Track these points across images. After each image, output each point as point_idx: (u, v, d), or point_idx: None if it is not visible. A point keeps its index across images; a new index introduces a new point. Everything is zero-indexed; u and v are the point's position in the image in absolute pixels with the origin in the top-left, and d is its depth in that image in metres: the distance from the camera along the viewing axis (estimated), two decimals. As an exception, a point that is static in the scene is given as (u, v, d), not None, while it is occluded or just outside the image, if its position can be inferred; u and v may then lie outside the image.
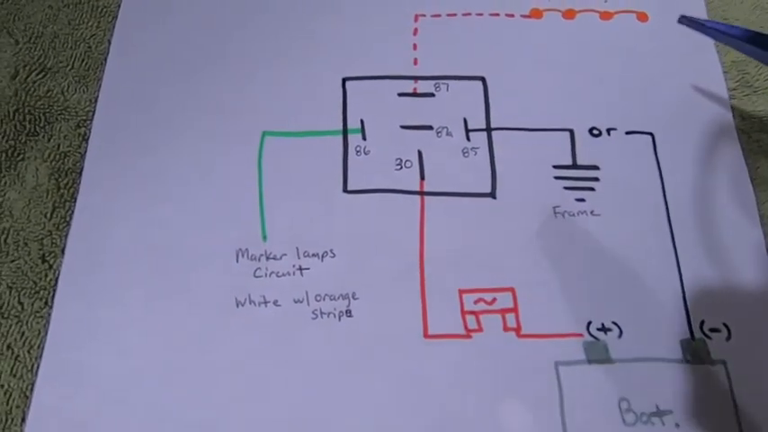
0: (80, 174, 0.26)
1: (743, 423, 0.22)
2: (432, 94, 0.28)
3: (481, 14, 0.30)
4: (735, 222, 0.25)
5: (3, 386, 0.23)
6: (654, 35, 0.29)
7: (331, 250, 0.25)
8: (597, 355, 0.23)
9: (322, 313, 0.24)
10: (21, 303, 0.24)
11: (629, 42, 0.29)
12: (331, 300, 0.24)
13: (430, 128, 0.27)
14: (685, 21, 0.26)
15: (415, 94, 0.28)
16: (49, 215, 0.25)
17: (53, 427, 0.22)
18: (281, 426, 0.22)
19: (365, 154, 0.27)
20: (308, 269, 0.24)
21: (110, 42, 0.29)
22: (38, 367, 0.23)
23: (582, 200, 0.26)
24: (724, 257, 0.25)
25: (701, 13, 0.30)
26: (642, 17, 0.30)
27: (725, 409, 0.22)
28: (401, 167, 0.26)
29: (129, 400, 0.22)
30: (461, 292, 0.24)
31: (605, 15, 0.30)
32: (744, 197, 0.26)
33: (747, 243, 0.25)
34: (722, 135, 0.27)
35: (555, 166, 0.26)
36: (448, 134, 0.27)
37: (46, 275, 0.24)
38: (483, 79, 0.28)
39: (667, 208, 0.25)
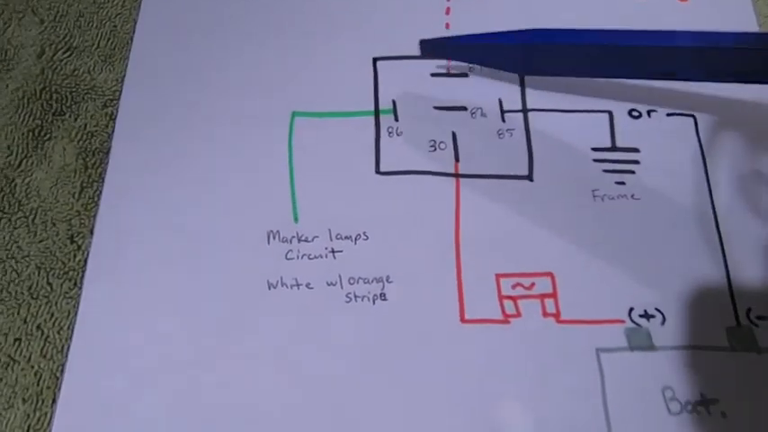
0: (107, 153, 0.26)
1: (793, 413, 0.21)
2: (465, 75, 0.27)
3: (515, -8, 0.29)
4: (782, 207, 0.24)
5: (33, 367, 0.22)
6: (694, 14, 0.28)
7: (364, 233, 0.24)
8: (640, 342, 0.22)
9: (356, 297, 0.23)
10: (50, 284, 0.24)
11: (669, 21, 0.28)
12: (365, 283, 0.23)
13: (464, 109, 0.26)
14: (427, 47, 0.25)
15: (448, 75, 0.27)
16: (76, 195, 0.25)
17: (84, 408, 0.22)
18: (313, 409, 0.22)
19: (398, 135, 0.26)
20: (340, 252, 0.24)
21: (135, 22, 0.29)
22: (68, 348, 0.22)
23: (622, 183, 0.25)
24: (771, 243, 0.24)
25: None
26: (682, -4, 0.29)
27: (773, 398, 0.21)
28: (435, 149, 0.26)
29: (159, 381, 0.22)
30: (498, 276, 0.23)
31: (644, -6, 0.29)
32: (791, 181, 0.25)
33: (795, 228, 0.24)
34: (766, 117, 0.26)
35: (593, 149, 0.25)
36: (482, 115, 0.26)
37: (75, 256, 0.24)
38: (518, 59, 0.27)
39: (710, 191, 0.25)
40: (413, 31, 0.28)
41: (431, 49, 0.25)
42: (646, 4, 0.29)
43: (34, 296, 0.23)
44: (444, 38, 0.26)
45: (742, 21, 0.28)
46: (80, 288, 0.23)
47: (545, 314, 0.23)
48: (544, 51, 0.24)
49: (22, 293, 0.23)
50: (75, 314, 0.23)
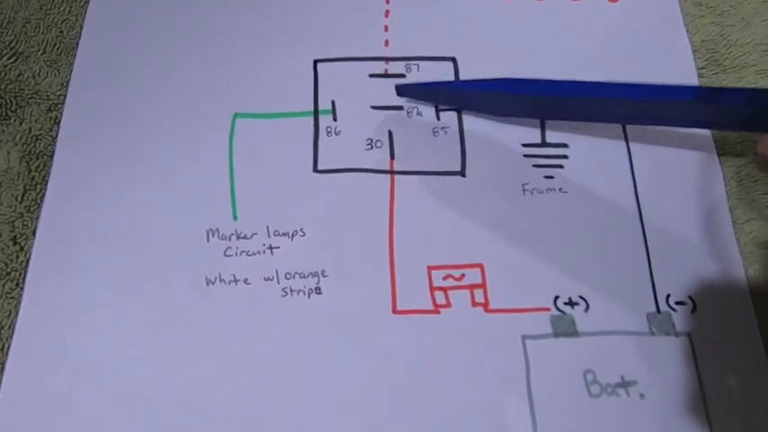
0: (51, 157, 0.26)
1: (706, 393, 0.22)
2: (403, 75, 0.28)
3: (453, -4, 0.30)
4: (701, 197, 0.25)
5: (-27, 366, 0.23)
6: (624, 15, 0.29)
7: (301, 229, 0.25)
8: (564, 328, 0.23)
9: (292, 291, 0.24)
10: (-8, 285, 0.24)
11: (600, 22, 0.29)
12: (301, 278, 0.24)
13: (400, 108, 0.27)
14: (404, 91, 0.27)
15: (386, 75, 0.28)
16: (20, 198, 0.25)
17: (24, 405, 0.22)
18: (252, 400, 0.22)
19: (336, 134, 0.27)
20: (278, 248, 0.25)
21: (81, 27, 0.29)
22: (9, 347, 0.23)
23: (551, 177, 0.26)
24: (690, 232, 0.25)
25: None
26: (613, -3, 0.30)
27: (689, 379, 0.22)
28: (371, 147, 0.26)
29: (101, 379, 0.23)
30: (430, 268, 0.24)
31: (576, -4, 0.30)
32: (710, 173, 0.26)
33: (713, 217, 0.25)
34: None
35: (524, 145, 0.26)
36: (418, 114, 0.27)
37: (17, 257, 0.24)
38: (454, 60, 0.28)
39: (635, 184, 0.26)
40: (353, 33, 0.29)
41: (405, 92, 0.27)
42: (579, 6, 0.30)
43: (-24, 297, 0.24)
44: (420, 84, 0.27)
45: (669, 20, 0.29)
46: (22, 288, 0.24)
47: (474, 304, 0.24)
48: (516, 100, 0.25)
49: (-35, 295, 0.24)
50: (17, 314, 0.23)
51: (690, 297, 0.24)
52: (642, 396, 0.22)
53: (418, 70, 0.28)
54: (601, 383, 0.22)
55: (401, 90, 0.27)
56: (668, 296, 0.24)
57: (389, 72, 0.28)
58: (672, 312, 0.24)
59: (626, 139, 0.27)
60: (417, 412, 0.22)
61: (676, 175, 0.26)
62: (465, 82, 0.26)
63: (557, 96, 0.24)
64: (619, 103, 0.24)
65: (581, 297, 0.24)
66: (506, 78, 0.25)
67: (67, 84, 0.28)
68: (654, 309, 0.24)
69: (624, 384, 0.22)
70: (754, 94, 0.23)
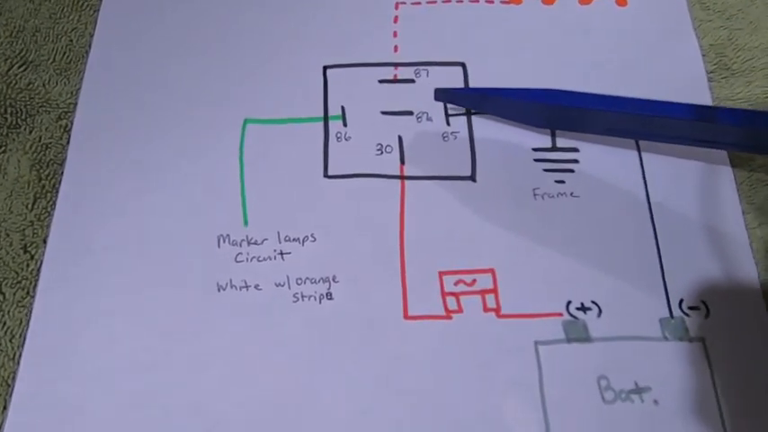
0: (62, 165, 0.26)
1: (721, 398, 0.22)
2: (412, 81, 0.28)
3: (461, 1, 0.30)
4: (713, 201, 0.25)
5: (-15, 374, 0.23)
6: (633, 19, 0.29)
7: (312, 234, 0.25)
8: (576, 333, 0.23)
9: (303, 296, 0.24)
10: (2, 293, 0.24)
11: (608, 26, 0.29)
12: (312, 283, 0.24)
13: (410, 113, 0.27)
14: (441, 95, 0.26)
15: (395, 81, 0.28)
16: (30, 206, 0.26)
17: (36, 415, 0.22)
18: (264, 407, 0.22)
19: (346, 140, 0.27)
20: (288, 253, 0.24)
21: (92, 35, 0.29)
22: (20, 356, 0.23)
23: (561, 182, 0.26)
24: (702, 236, 0.25)
25: (681, 4, 0.30)
26: (621, 1, 0.30)
27: (703, 385, 0.22)
28: (381, 152, 0.26)
29: (113, 386, 0.23)
30: (441, 273, 0.24)
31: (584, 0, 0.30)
32: (722, 177, 0.26)
33: (725, 222, 0.25)
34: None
35: (534, 149, 0.26)
36: (428, 119, 0.27)
37: (28, 266, 0.24)
38: (463, 65, 0.28)
39: (646, 188, 0.26)
40: (362, 39, 0.29)
41: (444, 96, 0.26)
42: (587, 10, 0.30)
43: (-13, 305, 0.24)
44: (459, 89, 0.27)
45: (678, 24, 0.29)
46: (33, 297, 0.24)
47: (486, 309, 0.24)
48: (565, 112, 0.25)
49: (-24, 303, 0.24)
50: (28, 323, 0.23)
51: (703, 302, 0.24)
52: (656, 402, 0.22)
53: (428, 76, 0.28)
54: (615, 389, 0.22)
55: (439, 95, 0.26)
56: (681, 301, 0.24)
57: (399, 77, 0.28)
58: (685, 317, 0.23)
59: (637, 144, 0.27)
60: (429, 417, 0.22)
61: (688, 179, 0.26)
62: (505, 90, 0.26)
63: (580, 108, 0.24)
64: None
65: (593, 302, 0.24)
66: (549, 89, 0.25)
67: (77, 92, 0.28)
68: (667, 314, 0.23)
69: (638, 390, 0.22)
70: (748, 115, 0.23)
